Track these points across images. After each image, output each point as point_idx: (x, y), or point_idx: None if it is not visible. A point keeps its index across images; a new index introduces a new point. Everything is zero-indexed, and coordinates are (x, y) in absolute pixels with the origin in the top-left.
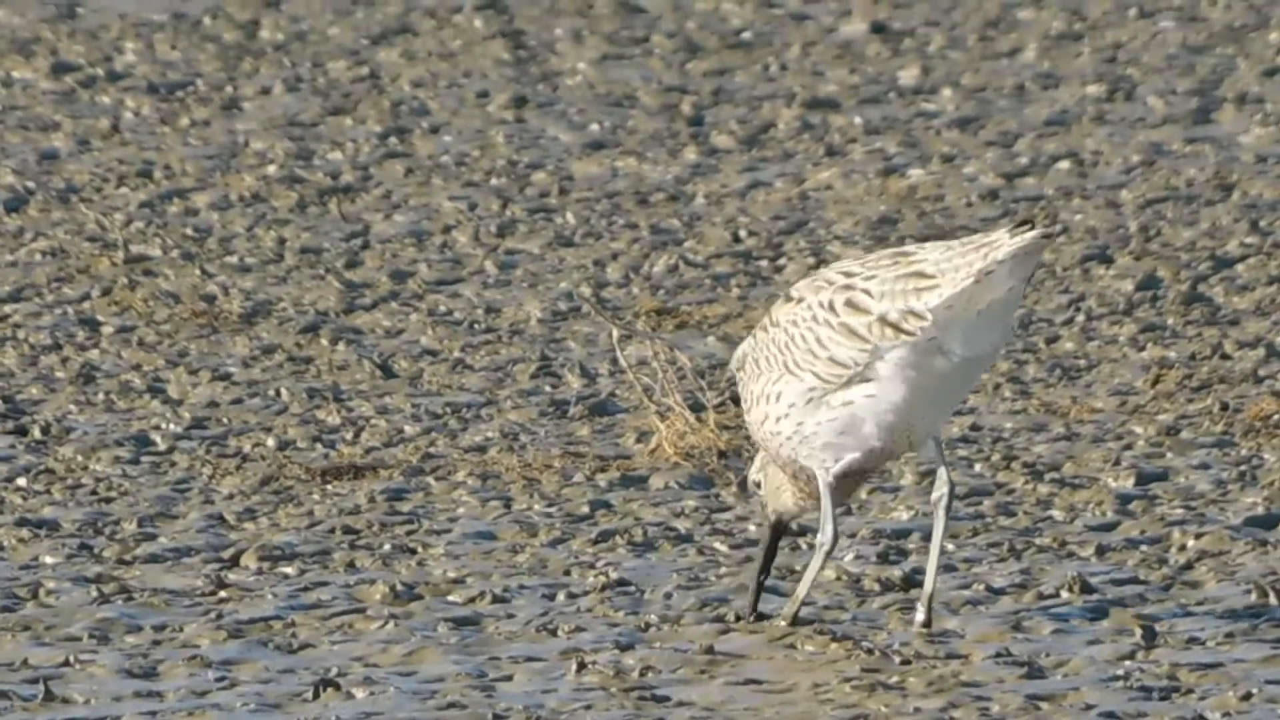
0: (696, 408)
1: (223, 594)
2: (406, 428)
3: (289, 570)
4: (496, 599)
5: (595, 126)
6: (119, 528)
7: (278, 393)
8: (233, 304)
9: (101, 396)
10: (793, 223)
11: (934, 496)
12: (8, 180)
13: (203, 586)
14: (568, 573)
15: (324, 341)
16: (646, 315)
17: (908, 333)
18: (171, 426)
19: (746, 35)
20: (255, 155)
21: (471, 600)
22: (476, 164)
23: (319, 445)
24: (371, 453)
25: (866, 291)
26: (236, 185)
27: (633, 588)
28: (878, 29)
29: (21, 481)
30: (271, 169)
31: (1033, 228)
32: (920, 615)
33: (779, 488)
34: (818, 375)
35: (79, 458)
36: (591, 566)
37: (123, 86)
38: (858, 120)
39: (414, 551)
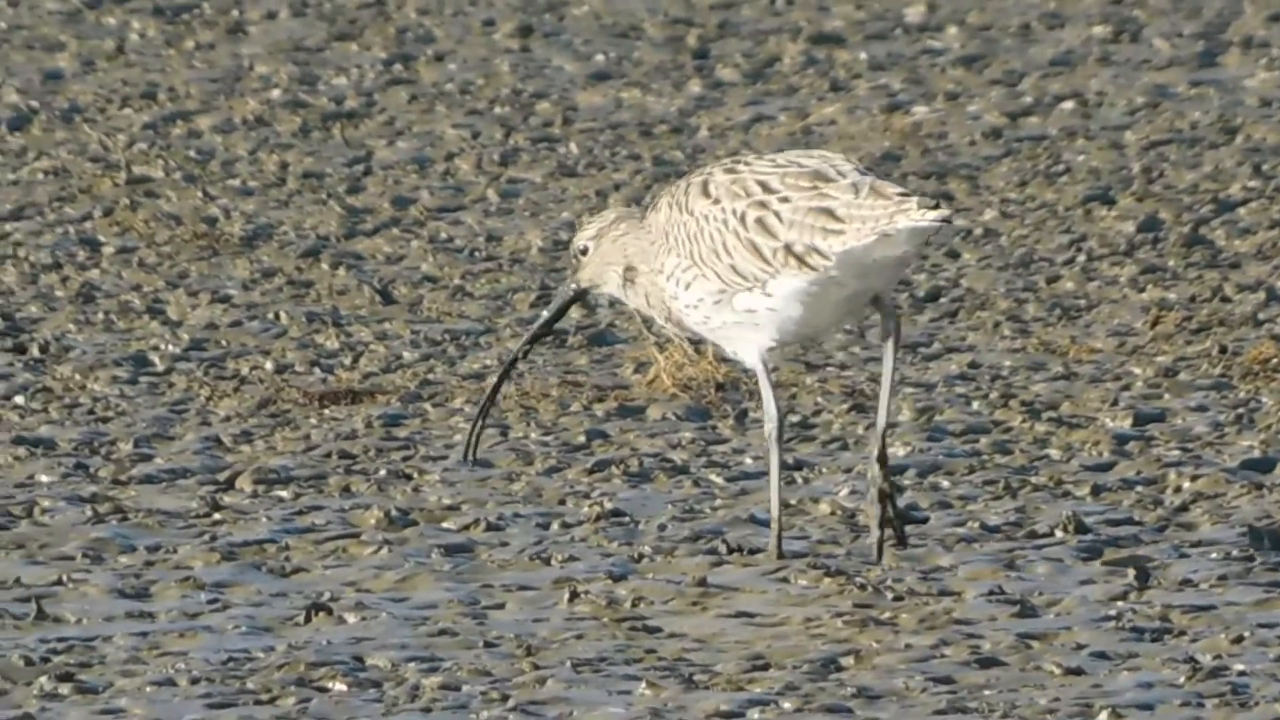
0: (695, 340)
1: (217, 516)
2: (405, 354)
3: (284, 494)
4: (491, 527)
5: (600, 57)
6: (115, 448)
7: (277, 316)
8: (234, 227)
9: (101, 316)
10: None
11: (881, 336)
12: (12, 99)
13: (197, 508)
14: (562, 502)
15: (324, 266)
16: None
17: (810, 266)
18: (170, 348)
19: None
20: (259, 79)
21: (466, 527)
22: (481, 92)
23: (317, 369)
24: (369, 378)
25: (778, 215)
26: (240, 109)
27: (627, 518)
28: None
29: (19, 400)
30: (275, 93)
31: (938, 208)
32: (874, 451)
33: (613, 269)
34: (720, 277)
35: (77, 377)
36: (586, 496)
37: (129, 8)
38: (863, 56)
39: (409, 478)
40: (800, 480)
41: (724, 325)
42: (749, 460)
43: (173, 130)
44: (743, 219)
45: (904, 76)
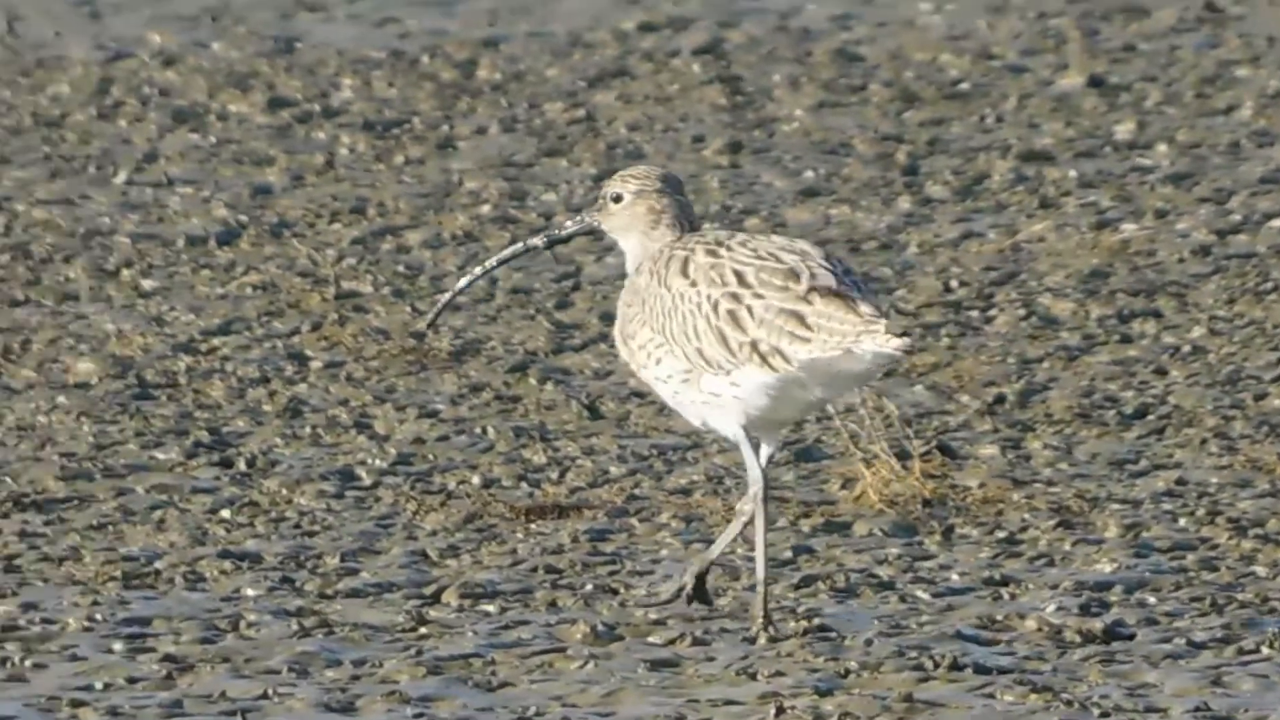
0: (902, 455)
1: (423, 630)
2: (612, 468)
3: (490, 608)
4: (697, 641)
5: (810, 173)
6: (321, 562)
7: (484, 431)
8: (442, 342)
9: (308, 430)
10: (1004, 274)
11: (743, 505)
12: (221, 213)
13: (403, 622)
14: (769, 617)
15: (532, 381)
16: None
17: (772, 367)
18: (377, 462)
19: (964, 86)
20: (469, 194)
21: (672, 642)
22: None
23: (524, 484)
24: (576, 492)
25: (750, 310)
26: (449, 224)
27: (833, 633)
28: (1094, 83)
29: (225, 513)
30: (485, 208)
31: (906, 336)
32: (757, 612)
33: (634, 231)
34: (688, 357)
35: (284, 491)
36: (793, 611)
37: (338, 123)
38: (1072, 173)
39: (616, 592)
40: (1006, 596)
41: (692, 404)
42: (955, 576)
43: (381, 245)
44: (715, 307)
45: (1113, 194)
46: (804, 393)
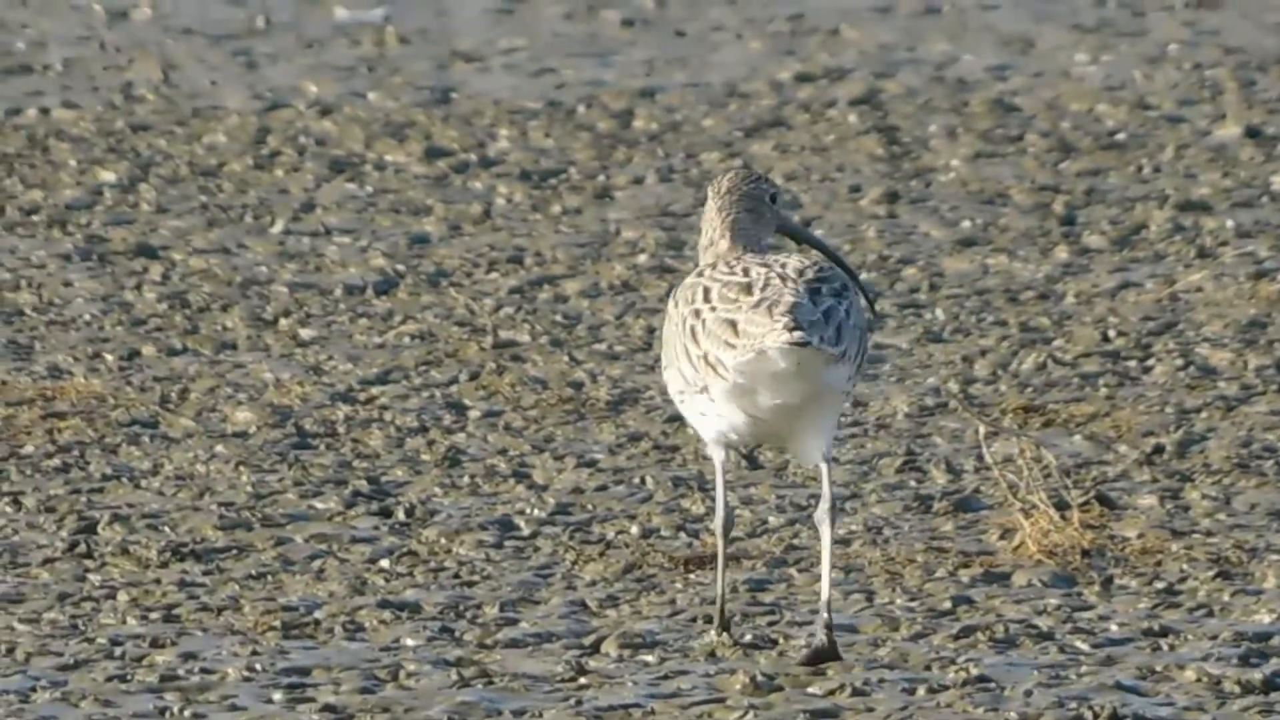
0: (1061, 506)
1: (583, 680)
2: (770, 518)
3: (649, 658)
4: (856, 692)
5: (967, 223)
6: (481, 611)
7: (643, 480)
8: (600, 391)
9: (466, 480)
10: (1162, 324)
11: (816, 515)
12: (378, 263)
13: (563, 672)
14: (928, 668)
15: (690, 431)
16: (1014, 413)
17: (720, 376)
18: (536, 512)
19: (1120, 136)
20: (626, 244)
21: (831, 693)
22: (847, 257)
23: (683, 534)
24: (735, 542)
25: (704, 324)
26: (607, 274)
27: (993, 684)
28: (1251, 133)
29: (384, 563)
30: (642, 258)
31: (798, 330)
32: (819, 635)
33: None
34: (679, 374)
35: (442, 540)
36: (952, 662)
37: (495, 173)
38: (1230, 223)
39: (775, 642)
40: (1165, 647)
41: (698, 420)
42: (1114, 627)
43: (539, 295)
44: (684, 324)
45: (1271, 244)
46: (765, 399)
